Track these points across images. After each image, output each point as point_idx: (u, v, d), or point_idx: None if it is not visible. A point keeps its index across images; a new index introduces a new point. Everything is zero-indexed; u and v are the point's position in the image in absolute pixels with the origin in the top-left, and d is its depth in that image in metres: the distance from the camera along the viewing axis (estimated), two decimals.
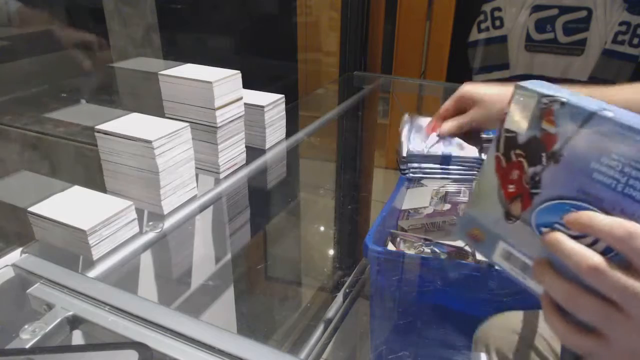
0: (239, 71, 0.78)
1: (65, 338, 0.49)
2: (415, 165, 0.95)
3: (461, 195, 1.01)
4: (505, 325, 0.72)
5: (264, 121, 0.87)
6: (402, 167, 0.95)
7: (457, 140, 0.97)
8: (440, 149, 0.95)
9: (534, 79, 0.43)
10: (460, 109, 0.81)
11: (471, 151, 0.96)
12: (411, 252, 0.91)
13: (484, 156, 0.94)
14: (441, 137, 0.85)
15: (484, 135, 1.15)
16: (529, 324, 0.70)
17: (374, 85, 1.48)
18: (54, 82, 0.94)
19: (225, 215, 0.90)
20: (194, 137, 0.70)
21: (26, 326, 0.47)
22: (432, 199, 1.03)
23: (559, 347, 0.64)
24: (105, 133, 0.67)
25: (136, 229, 0.64)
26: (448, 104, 0.82)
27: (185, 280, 0.92)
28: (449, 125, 0.78)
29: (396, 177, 1.09)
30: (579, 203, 0.35)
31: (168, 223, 0.68)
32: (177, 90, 0.76)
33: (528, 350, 0.67)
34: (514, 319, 0.72)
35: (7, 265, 0.57)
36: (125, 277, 0.64)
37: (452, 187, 1.04)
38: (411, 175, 0.95)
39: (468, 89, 0.77)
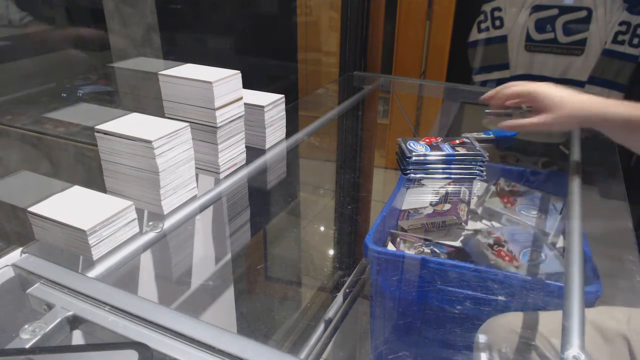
0: (239, 71, 0.78)
1: (65, 338, 0.49)
2: (417, 165, 0.95)
3: (461, 195, 1.01)
4: (506, 325, 0.72)
5: (264, 121, 0.87)
6: (403, 166, 0.96)
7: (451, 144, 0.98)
8: (440, 150, 0.96)
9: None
10: (518, 101, 0.85)
11: (471, 149, 0.96)
12: (411, 252, 0.91)
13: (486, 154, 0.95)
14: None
15: (482, 135, 1.16)
16: (530, 324, 0.70)
17: (374, 85, 1.48)
18: (54, 82, 0.94)
19: (225, 215, 0.90)
20: (194, 137, 0.70)
21: (26, 326, 0.47)
22: (432, 199, 1.03)
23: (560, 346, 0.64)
24: (105, 133, 0.67)
25: (136, 229, 0.64)
26: (514, 93, 0.83)
27: (185, 280, 0.92)
28: (522, 123, 0.80)
29: (396, 177, 1.08)
30: None
31: (168, 223, 0.68)
32: (177, 90, 0.76)
33: (529, 350, 0.67)
34: (515, 319, 0.72)
35: (7, 265, 0.57)
36: (125, 277, 0.64)
37: (452, 187, 1.04)
38: (412, 175, 0.95)
39: (545, 91, 0.78)
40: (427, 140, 0.99)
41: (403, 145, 0.97)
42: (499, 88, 0.86)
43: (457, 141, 0.99)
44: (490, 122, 1.17)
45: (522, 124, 0.80)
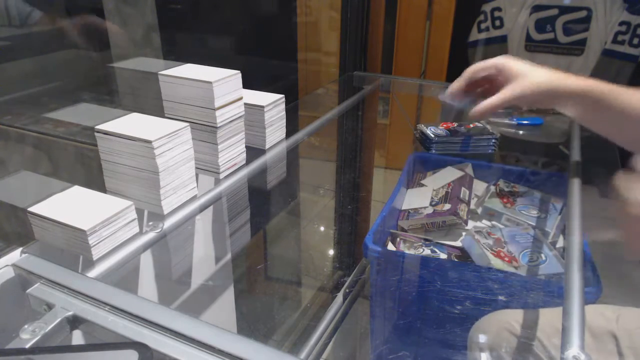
0: (238, 71, 0.78)
1: (65, 338, 0.49)
2: (440, 143, 1.08)
3: (461, 195, 1.01)
4: (498, 323, 0.72)
5: (264, 121, 0.87)
6: (427, 145, 1.08)
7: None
8: (458, 131, 1.10)
9: None
10: (486, 80, 0.76)
11: (485, 130, 1.09)
12: (411, 252, 0.92)
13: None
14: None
15: (506, 121, 1.24)
16: (522, 321, 0.70)
17: (374, 85, 1.48)
18: (53, 82, 0.94)
19: (225, 215, 0.90)
20: (194, 137, 0.70)
21: (26, 326, 0.47)
22: (432, 199, 1.03)
23: (550, 343, 0.64)
24: (105, 133, 0.67)
25: (136, 229, 0.64)
26: (476, 71, 0.75)
27: (185, 280, 0.92)
28: (491, 102, 0.71)
29: (396, 177, 1.09)
30: None
31: (168, 223, 0.68)
32: (177, 90, 0.76)
33: (521, 347, 0.67)
34: (508, 317, 0.72)
35: (7, 265, 0.57)
36: (125, 277, 0.64)
37: (452, 187, 1.04)
38: (434, 151, 1.08)
39: (507, 62, 0.71)
40: (445, 125, 1.13)
41: (425, 129, 1.10)
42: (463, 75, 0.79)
43: (471, 125, 1.13)
44: (447, 112, 1.28)
45: (492, 103, 0.71)
